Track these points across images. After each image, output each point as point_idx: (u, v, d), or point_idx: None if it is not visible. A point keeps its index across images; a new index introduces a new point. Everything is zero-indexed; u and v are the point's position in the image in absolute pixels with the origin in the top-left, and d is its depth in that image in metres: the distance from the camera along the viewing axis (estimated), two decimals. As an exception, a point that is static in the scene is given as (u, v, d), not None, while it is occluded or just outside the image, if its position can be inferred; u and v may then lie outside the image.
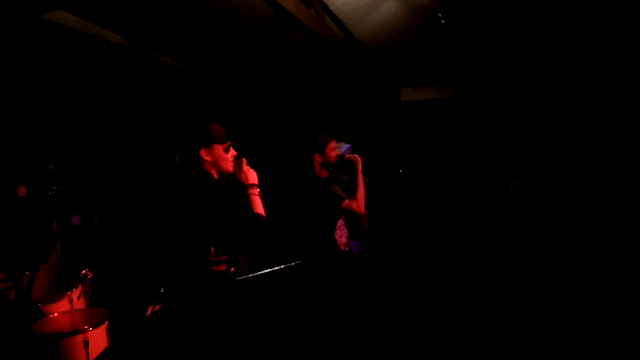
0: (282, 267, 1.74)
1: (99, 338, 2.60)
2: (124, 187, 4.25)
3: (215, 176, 2.31)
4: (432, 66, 5.21)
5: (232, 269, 2.20)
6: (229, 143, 2.33)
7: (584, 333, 3.25)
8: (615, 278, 3.87)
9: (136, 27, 3.67)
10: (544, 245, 4.32)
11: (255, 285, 1.70)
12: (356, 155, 3.19)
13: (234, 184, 2.37)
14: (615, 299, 3.63)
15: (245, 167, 2.37)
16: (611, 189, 4.63)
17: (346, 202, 3.02)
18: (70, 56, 3.57)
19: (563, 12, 3.80)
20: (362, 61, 4.63)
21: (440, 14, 3.63)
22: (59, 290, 2.96)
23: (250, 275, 1.71)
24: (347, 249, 3.14)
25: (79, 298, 3.00)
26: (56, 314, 2.81)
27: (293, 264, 1.77)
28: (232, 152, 2.36)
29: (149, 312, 2.47)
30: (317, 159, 3.07)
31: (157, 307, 2.45)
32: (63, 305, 2.88)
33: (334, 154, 3.10)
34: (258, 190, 2.34)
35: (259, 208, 2.29)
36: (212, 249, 2.16)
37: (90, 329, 2.56)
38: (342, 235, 3.11)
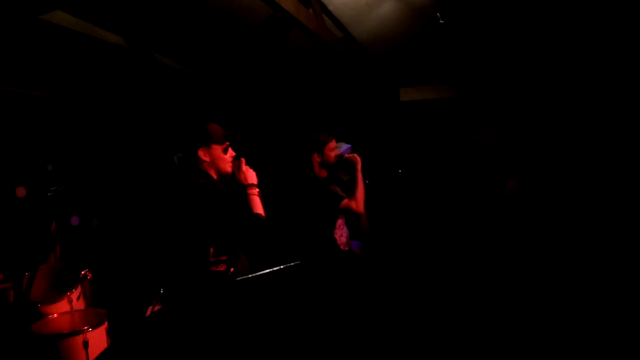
0: (282, 267, 1.74)
1: (98, 338, 2.60)
2: (122, 187, 4.24)
3: (214, 176, 2.31)
4: (430, 66, 5.22)
5: (232, 269, 2.20)
6: (227, 143, 2.34)
7: (583, 332, 3.25)
8: (615, 277, 3.87)
9: (135, 27, 3.67)
10: (542, 244, 4.32)
11: (255, 285, 1.70)
12: (355, 155, 3.19)
13: (233, 183, 2.37)
14: (614, 298, 3.63)
15: (244, 167, 2.37)
16: (610, 188, 4.63)
17: (345, 201, 3.02)
18: (68, 57, 3.57)
19: (561, 11, 3.81)
20: (360, 61, 4.63)
21: (438, 14, 3.64)
22: (58, 291, 2.95)
23: (250, 275, 1.72)
24: (346, 249, 3.14)
25: (78, 298, 3.00)
26: (55, 315, 2.80)
27: (293, 263, 1.77)
28: (231, 152, 2.36)
29: (148, 313, 2.46)
30: (317, 158, 3.07)
31: (157, 308, 2.45)
32: (62, 305, 2.88)
33: (333, 154, 3.11)
34: (257, 190, 2.35)
35: (258, 208, 2.30)
36: (212, 249, 2.16)
37: (90, 329, 2.56)
38: (341, 234, 3.11)
